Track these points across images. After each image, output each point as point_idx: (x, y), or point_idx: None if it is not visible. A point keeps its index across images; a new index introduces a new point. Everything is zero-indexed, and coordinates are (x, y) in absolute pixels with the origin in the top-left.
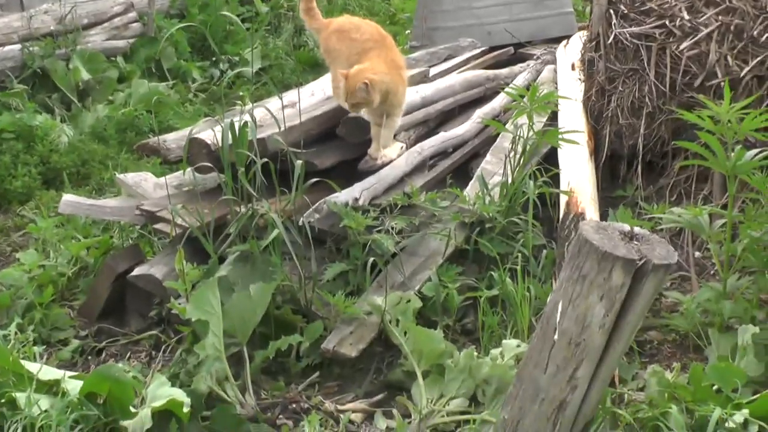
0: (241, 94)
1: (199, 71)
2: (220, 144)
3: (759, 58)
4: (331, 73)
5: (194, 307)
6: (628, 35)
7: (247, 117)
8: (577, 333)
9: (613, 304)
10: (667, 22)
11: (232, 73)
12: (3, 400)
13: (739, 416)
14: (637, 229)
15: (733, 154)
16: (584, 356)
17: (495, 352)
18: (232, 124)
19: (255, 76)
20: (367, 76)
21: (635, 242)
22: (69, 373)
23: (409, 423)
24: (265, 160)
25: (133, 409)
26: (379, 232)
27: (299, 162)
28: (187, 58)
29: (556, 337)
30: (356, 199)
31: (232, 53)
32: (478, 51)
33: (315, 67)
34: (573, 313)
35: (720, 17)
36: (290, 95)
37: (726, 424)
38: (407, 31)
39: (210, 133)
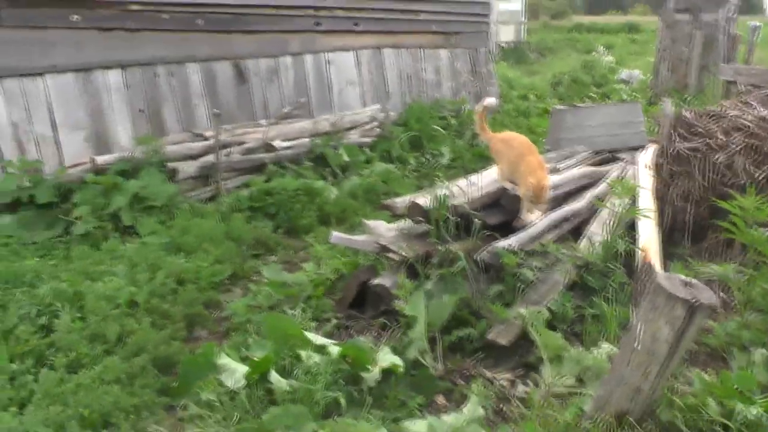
0: (439, 174)
1: (414, 158)
2: (430, 206)
3: None
4: (497, 166)
5: (410, 307)
6: (683, 148)
7: (446, 191)
8: (650, 344)
9: (674, 328)
10: (709, 140)
11: (433, 161)
12: (292, 354)
13: (754, 409)
14: (693, 280)
15: (752, 230)
16: (654, 360)
17: (595, 350)
18: (437, 195)
19: (447, 163)
20: (549, 187)
21: (690, 288)
22: (330, 341)
23: (538, 389)
24: (457, 218)
25: (369, 367)
26: (524, 267)
27: (477, 221)
28: (407, 150)
29: (636, 345)
30: (511, 246)
31: (434, 148)
32: (587, 154)
33: (483, 159)
34: (648, 331)
35: (745, 139)
36: (473, 178)
37: (745, 415)
38: (542, 139)
39: (423, 199)
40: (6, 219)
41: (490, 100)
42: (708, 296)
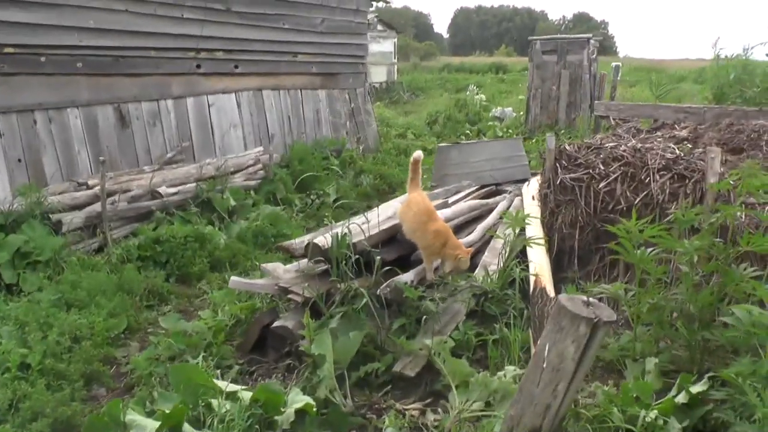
0: (325, 214)
1: (299, 200)
2: (330, 246)
3: (645, 192)
4: (404, 227)
5: (316, 346)
6: (567, 179)
7: (345, 229)
8: (557, 363)
9: (580, 346)
10: (590, 171)
11: (319, 201)
12: (202, 404)
13: (652, 413)
14: (592, 299)
15: (638, 251)
16: (561, 377)
17: (500, 373)
18: (336, 234)
19: (333, 203)
20: (467, 257)
21: (591, 307)
22: (241, 387)
23: (447, 416)
24: (356, 256)
25: (282, 410)
26: (425, 300)
27: (378, 257)
28: (291, 192)
29: (544, 365)
30: (412, 281)
31: (319, 189)
32: (473, 188)
33: (367, 198)
34: (555, 350)
35: (622, 168)
36: (370, 215)
37: (646, 419)
38: (425, 176)
39: (322, 239)
40: None
41: (419, 154)
42: (608, 314)
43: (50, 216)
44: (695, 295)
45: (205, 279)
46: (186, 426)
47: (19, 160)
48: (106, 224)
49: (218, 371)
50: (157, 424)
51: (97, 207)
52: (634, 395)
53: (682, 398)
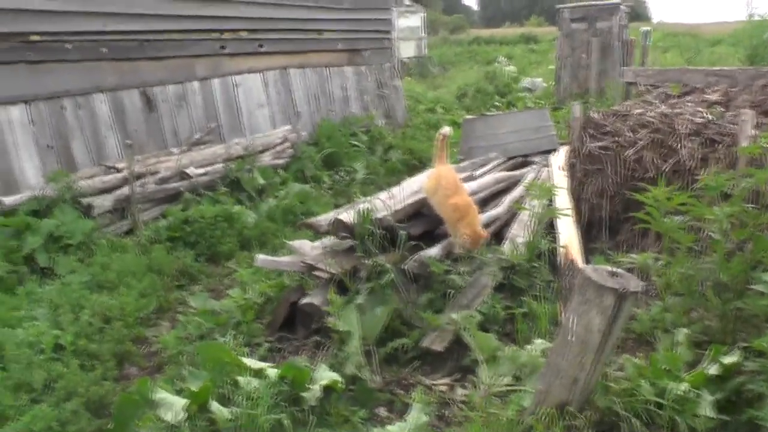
0: (354, 191)
1: (328, 177)
2: (354, 221)
3: (674, 158)
4: (431, 201)
5: (342, 322)
6: (595, 147)
7: (369, 205)
8: (584, 335)
9: (606, 317)
10: (618, 139)
11: (348, 178)
12: (229, 381)
13: (683, 386)
14: (618, 270)
15: (666, 219)
16: (588, 350)
17: (529, 347)
18: (360, 210)
19: (361, 179)
20: (484, 236)
21: (617, 278)
22: (267, 365)
23: (477, 391)
24: (382, 231)
25: (309, 386)
26: (452, 273)
27: (402, 232)
28: (320, 169)
29: (570, 338)
30: (438, 254)
31: (348, 165)
32: (500, 160)
33: (396, 173)
34: (581, 323)
35: (650, 134)
36: (394, 190)
37: (675, 392)
38: (455, 150)
39: (346, 215)
40: None
41: (447, 129)
42: (634, 284)
43: (81, 200)
44: (727, 263)
45: (235, 258)
46: (213, 403)
47: (50, 147)
48: (135, 206)
49: (247, 349)
50: (184, 401)
51: (126, 190)
52: (664, 367)
53: (713, 370)
